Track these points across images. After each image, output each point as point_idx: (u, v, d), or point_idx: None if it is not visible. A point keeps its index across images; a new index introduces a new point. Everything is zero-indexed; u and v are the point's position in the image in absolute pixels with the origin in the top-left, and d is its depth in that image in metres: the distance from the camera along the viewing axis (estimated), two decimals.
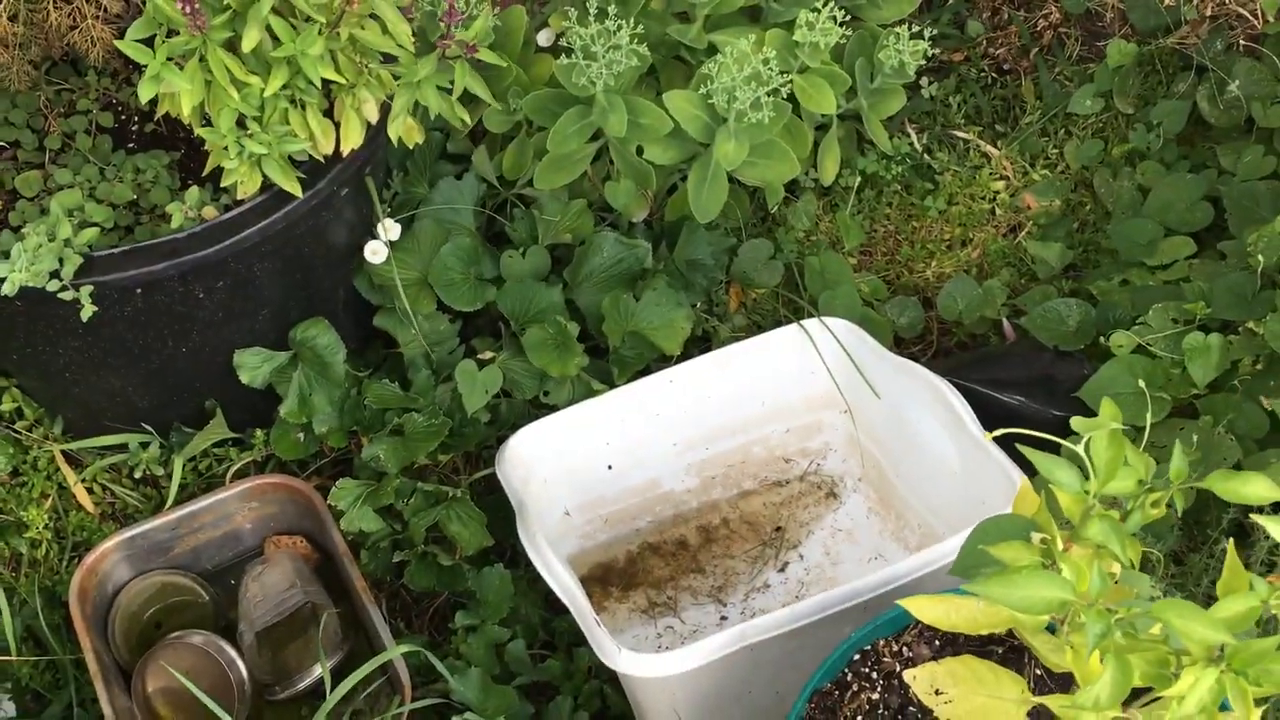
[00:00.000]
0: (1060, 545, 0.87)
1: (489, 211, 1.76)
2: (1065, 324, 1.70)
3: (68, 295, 1.31)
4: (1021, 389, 1.67)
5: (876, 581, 1.35)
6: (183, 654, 1.50)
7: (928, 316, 1.86)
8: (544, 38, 1.82)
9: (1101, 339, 1.63)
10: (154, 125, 1.53)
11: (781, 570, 1.67)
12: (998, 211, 1.97)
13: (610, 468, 1.66)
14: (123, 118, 1.54)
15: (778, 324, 1.75)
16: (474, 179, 1.74)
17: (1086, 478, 0.85)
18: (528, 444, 1.55)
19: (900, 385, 1.61)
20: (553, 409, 1.62)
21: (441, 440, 1.56)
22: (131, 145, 1.52)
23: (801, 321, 1.66)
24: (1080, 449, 0.84)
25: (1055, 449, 0.89)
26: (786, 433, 1.73)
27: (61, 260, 1.30)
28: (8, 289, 1.26)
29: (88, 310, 1.32)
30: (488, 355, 1.63)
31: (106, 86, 1.54)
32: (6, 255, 1.30)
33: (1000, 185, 1.99)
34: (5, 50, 1.38)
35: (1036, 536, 0.89)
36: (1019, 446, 0.88)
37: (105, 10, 1.41)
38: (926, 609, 0.88)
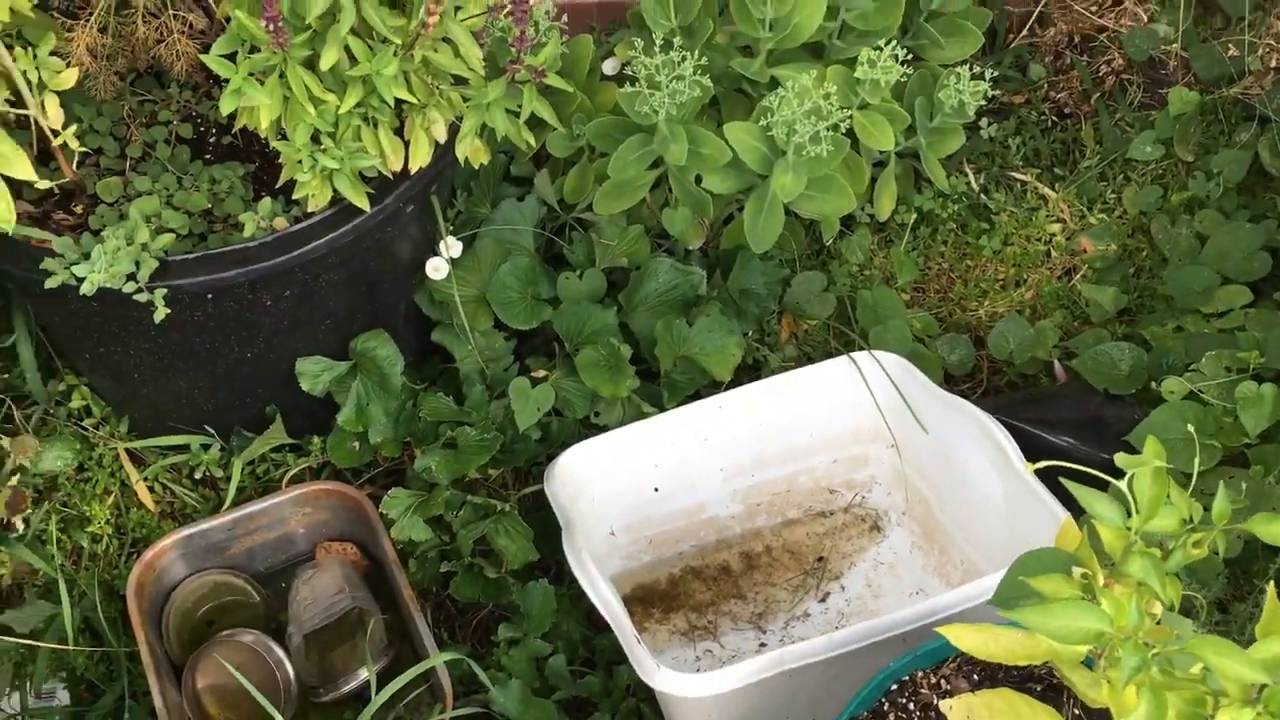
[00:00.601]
0: (1100, 581, 0.88)
1: (548, 233, 1.80)
2: (1117, 368, 1.70)
3: (142, 297, 1.36)
4: (1071, 430, 1.67)
5: (917, 614, 1.36)
6: (233, 652, 1.54)
7: (978, 355, 1.87)
8: (609, 66, 1.86)
9: (1153, 384, 1.62)
10: (230, 138, 1.59)
11: (822, 600, 1.68)
12: (1053, 253, 1.97)
13: (657, 490, 1.68)
14: (201, 129, 1.59)
15: (828, 356, 1.76)
16: (535, 201, 1.77)
17: (1129, 514, 0.86)
18: (577, 462, 1.58)
19: (948, 421, 1.61)
20: (603, 429, 1.65)
21: (493, 455, 1.60)
22: (208, 156, 1.57)
23: (852, 354, 1.67)
24: (1124, 485, 0.85)
25: (1103, 490, 0.90)
26: (833, 463, 1.75)
27: (138, 263, 1.36)
28: (86, 288, 1.32)
29: (161, 313, 1.37)
30: (541, 374, 1.66)
31: (187, 99, 1.60)
32: (87, 256, 1.35)
33: (1057, 227, 1.99)
34: (94, 60, 1.44)
35: (1077, 571, 0.90)
36: (1064, 481, 0.89)
37: (190, 26, 1.47)
38: (965, 637, 0.89)
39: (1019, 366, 1.83)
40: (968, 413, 1.58)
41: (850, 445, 1.74)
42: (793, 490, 1.75)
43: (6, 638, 1.48)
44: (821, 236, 1.92)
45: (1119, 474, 0.89)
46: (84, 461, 1.70)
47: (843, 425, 1.72)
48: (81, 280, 1.33)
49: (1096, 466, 1.00)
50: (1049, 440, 1.66)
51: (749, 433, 1.69)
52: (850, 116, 1.67)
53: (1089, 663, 0.93)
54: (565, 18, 1.70)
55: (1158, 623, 0.89)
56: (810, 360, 1.81)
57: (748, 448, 1.71)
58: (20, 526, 1.49)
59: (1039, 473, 1.48)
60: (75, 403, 1.71)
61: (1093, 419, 1.68)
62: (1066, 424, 1.68)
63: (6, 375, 1.71)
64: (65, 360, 1.72)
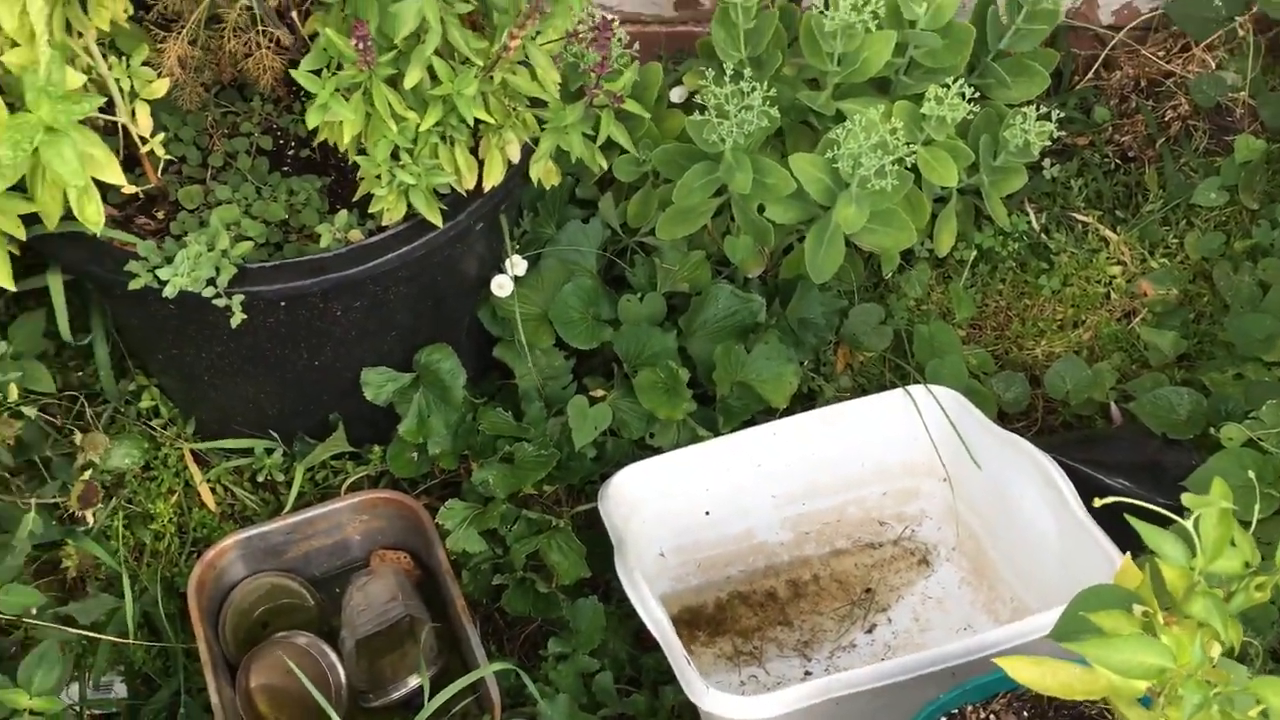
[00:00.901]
0: (1161, 620, 0.88)
1: (611, 256, 1.83)
2: (1175, 412, 1.69)
3: (220, 302, 1.40)
4: (1126, 473, 1.66)
5: (967, 648, 1.36)
6: (287, 653, 1.57)
7: (1034, 394, 1.87)
8: (677, 94, 1.89)
9: (1212, 430, 1.62)
10: (309, 151, 1.63)
11: (869, 632, 1.68)
12: (1113, 296, 1.97)
13: (708, 514, 1.70)
14: (281, 142, 1.64)
15: (883, 388, 1.77)
16: (599, 224, 1.80)
17: (1193, 554, 0.87)
18: (631, 483, 1.60)
19: (1003, 458, 1.62)
20: (657, 451, 1.67)
21: (549, 471, 1.62)
22: (286, 168, 1.61)
23: (908, 387, 1.68)
24: (1189, 524, 0.85)
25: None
26: (884, 496, 1.75)
27: (218, 269, 1.40)
28: (169, 291, 1.36)
29: (237, 317, 1.40)
30: (599, 393, 1.69)
31: (269, 112, 1.64)
32: (169, 261, 1.40)
33: (1117, 270, 1.99)
34: (183, 71, 1.49)
35: (1137, 609, 0.90)
36: (1129, 518, 0.90)
37: (277, 42, 1.51)
38: (1023, 669, 0.90)
39: (1075, 407, 1.83)
40: (1023, 450, 1.58)
41: (902, 478, 1.74)
42: (842, 520, 1.76)
43: (69, 629, 1.52)
44: (880, 269, 1.93)
45: (1178, 518, 0.90)
46: (150, 460, 1.74)
47: (895, 458, 1.73)
48: (164, 283, 1.37)
49: (1151, 517, 1.00)
50: (1104, 482, 1.65)
51: (801, 461, 1.70)
52: (915, 152, 1.68)
53: (1145, 702, 0.93)
54: (636, 45, 1.73)
55: (1214, 665, 0.89)
56: (865, 392, 1.82)
57: (799, 476, 1.72)
58: (89, 520, 1.53)
59: (1094, 514, 1.50)
60: (145, 403, 1.75)
61: (1149, 463, 1.68)
62: (1122, 466, 1.67)
63: (81, 373, 1.76)
64: (137, 361, 1.77)
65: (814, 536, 1.75)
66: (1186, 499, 0.86)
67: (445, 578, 1.60)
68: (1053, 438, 1.82)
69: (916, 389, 1.68)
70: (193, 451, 1.75)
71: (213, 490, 1.74)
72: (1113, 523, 1.48)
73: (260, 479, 1.74)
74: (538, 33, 1.33)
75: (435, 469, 1.74)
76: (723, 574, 1.73)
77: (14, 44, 1.23)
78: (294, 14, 1.56)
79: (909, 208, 1.77)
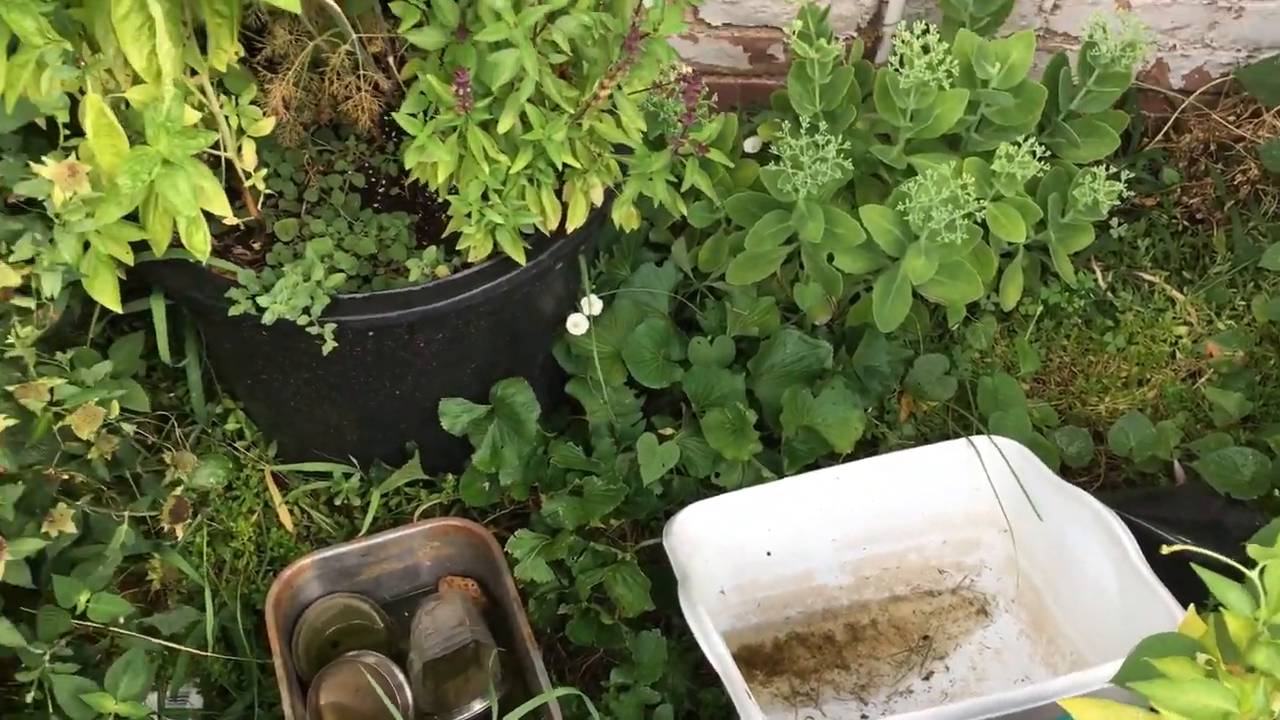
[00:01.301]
0: (1224, 669, 0.90)
1: (682, 299, 1.88)
2: (1240, 473, 1.70)
3: (313, 330, 1.46)
4: (1189, 531, 1.67)
5: (1025, 696, 1.38)
6: (357, 672, 1.62)
7: (1097, 449, 1.88)
8: (750, 144, 1.95)
9: (1276, 492, 1.63)
10: (398, 190, 1.70)
11: (926, 679, 1.70)
12: (1178, 355, 1.98)
13: (769, 554, 1.73)
14: (372, 180, 1.71)
15: (945, 438, 1.80)
16: (672, 268, 1.86)
17: (1257, 605, 0.89)
18: (696, 521, 1.64)
19: (1065, 511, 1.63)
20: (722, 490, 1.71)
21: (616, 505, 1.66)
22: (377, 205, 1.69)
23: (971, 437, 1.71)
24: (1255, 575, 0.88)
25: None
26: (944, 544, 1.77)
27: (312, 298, 1.46)
28: (268, 318, 1.43)
29: (329, 345, 1.47)
30: (668, 432, 1.73)
31: (362, 152, 1.72)
32: (267, 289, 1.47)
33: (1183, 330, 2.01)
34: (286, 111, 1.57)
35: (1201, 657, 0.92)
36: (1195, 568, 0.92)
37: (375, 86, 1.59)
38: (1088, 712, 0.92)
39: (1138, 464, 1.84)
40: (1086, 504, 1.60)
41: (963, 528, 1.76)
42: (902, 567, 1.78)
43: (152, 639, 1.58)
44: (946, 321, 1.96)
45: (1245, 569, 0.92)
46: (233, 481, 1.81)
47: (957, 507, 1.75)
48: (263, 310, 1.44)
49: (1215, 569, 1.02)
50: (1166, 539, 1.66)
51: (863, 506, 1.73)
52: (984, 207, 1.72)
53: None
54: (715, 96, 1.79)
55: (1274, 715, 0.91)
56: (927, 441, 1.84)
57: (861, 521, 1.74)
58: (177, 535, 1.59)
59: (1157, 570, 1.51)
60: (230, 425, 1.83)
61: (1212, 522, 1.68)
62: (1184, 524, 1.68)
63: (171, 395, 1.83)
64: (225, 385, 1.84)
65: (873, 581, 1.78)
66: (1252, 550, 0.89)
67: (512, 605, 1.64)
68: (1115, 494, 1.83)
69: (980, 439, 1.70)
70: (273, 473, 1.82)
71: (291, 512, 1.80)
72: (1174, 581, 1.50)
73: (337, 503, 1.80)
74: (625, 82, 1.39)
75: (505, 499, 1.79)
76: (782, 614, 1.76)
77: (136, 81, 1.31)
78: (391, 60, 1.64)
79: (976, 261, 1.80)
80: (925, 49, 1.69)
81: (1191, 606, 1.20)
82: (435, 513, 1.79)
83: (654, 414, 1.81)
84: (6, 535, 1.38)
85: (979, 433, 1.74)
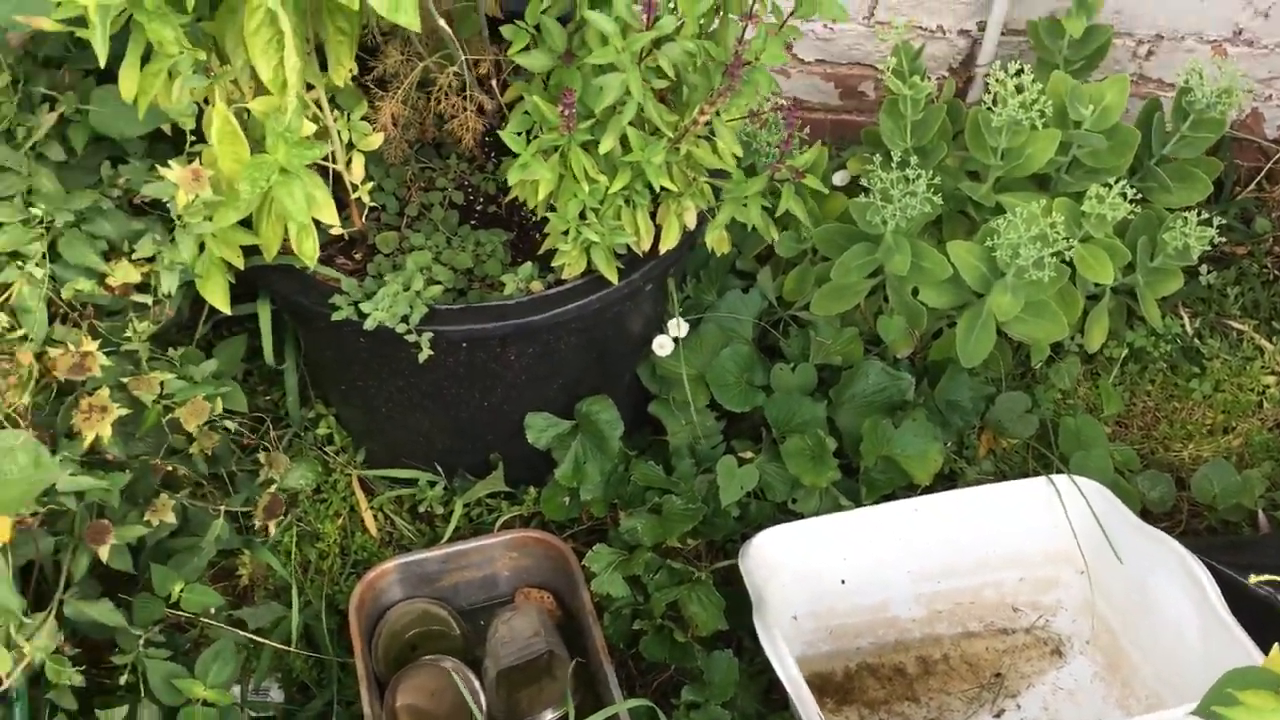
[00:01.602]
0: None
1: (766, 325, 1.90)
2: None
3: (411, 338, 1.51)
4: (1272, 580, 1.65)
5: None
6: (434, 676, 1.65)
7: (1179, 496, 1.87)
8: (839, 178, 1.97)
9: None
10: (495, 208, 1.75)
11: (997, 716, 1.69)
12: (1265, 404, 1.96)
13: (844, 582, 1.74)
14: (471, 198, 1.77)
15: (1024, 476, 1.80)
16: (758, 295, 1.89)
17: None
18: (772, 545, 1.65)
19: (1146, 554, 1.62)
20: (799, 516, 1.72)
21: (694, 525, 1.69)
22: (474, 222, 1.74)
23: (1051, 476, 1.70)
24: None
25: None
26: (1020, 581, 1.77)
27: (411, 308, 1.52)
28: (369, 324, 1.48)
29: (425, 353, 1.52)
30: (747, 455, 1.75)
31: (463, 170, 1.78)
32: (368, 297, 1.52)
33: (1271, 380, 1.99)
34: (394, 128, 1.63)
35: None
36: None
37: (479, 107, 1.65)
38: None
39: (1221, 512, 1.82)
40: (1169, 547, 1.59)
41: (1039, 566, 1.76)
42: (977, 603, 1.78)
43: (240, 631, 1.63)
44: (1029, 359, 1.96)
45: None
46: (321, 484, 1.86)
47: (1034, 546, 1.74)
48: (364, 317, 1.49)
49: None
50: (1247, 585, 1.64)
51: (940, 540, 1.73)
52: (1072, 247, 1.73)
53: None
54: (807, 130, 1.83)
55: None
56: (1006, 478, 1.84)
57: (937, 554, 1.75)
58: (269, 532, 1.65)
59: (1238, 615, 1.49)
60: (321, 430, 1.88)
61: None
62: (1267, 572, 1.65)
63: (267, 398, 1.90)
64: (318, 391, 1.90)
65: (947, 616, 1.77)
66: None
67: (587, 618, 1.67)
68: (1196, 540, 1.81)
69: (1060, 479, 1.70)
70: (360, 479, 1.87)
71: (375, 517, 1.85)
72: (1253, 628, 1.48)
73: (420, 510, 1.84)
74: (724, 109, 1.43)
75: (585, 514, 1.82)
76: (853, 644, 1.76)
77: (258, 92, 1.38)
78: (494, 83, 1.70)
79: (1062, 301, 1.81)
80: (1019, 89, 1.71)
81: (1277, 645, 1.19)
82: (515, 524, 1.82)
83: (734, 437, 1.83)
84: (112, 521, 1.44)
85: (1059, 472, 1.74)
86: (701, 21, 1.38)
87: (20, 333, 1.31)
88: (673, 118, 1.44)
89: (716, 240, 1.57)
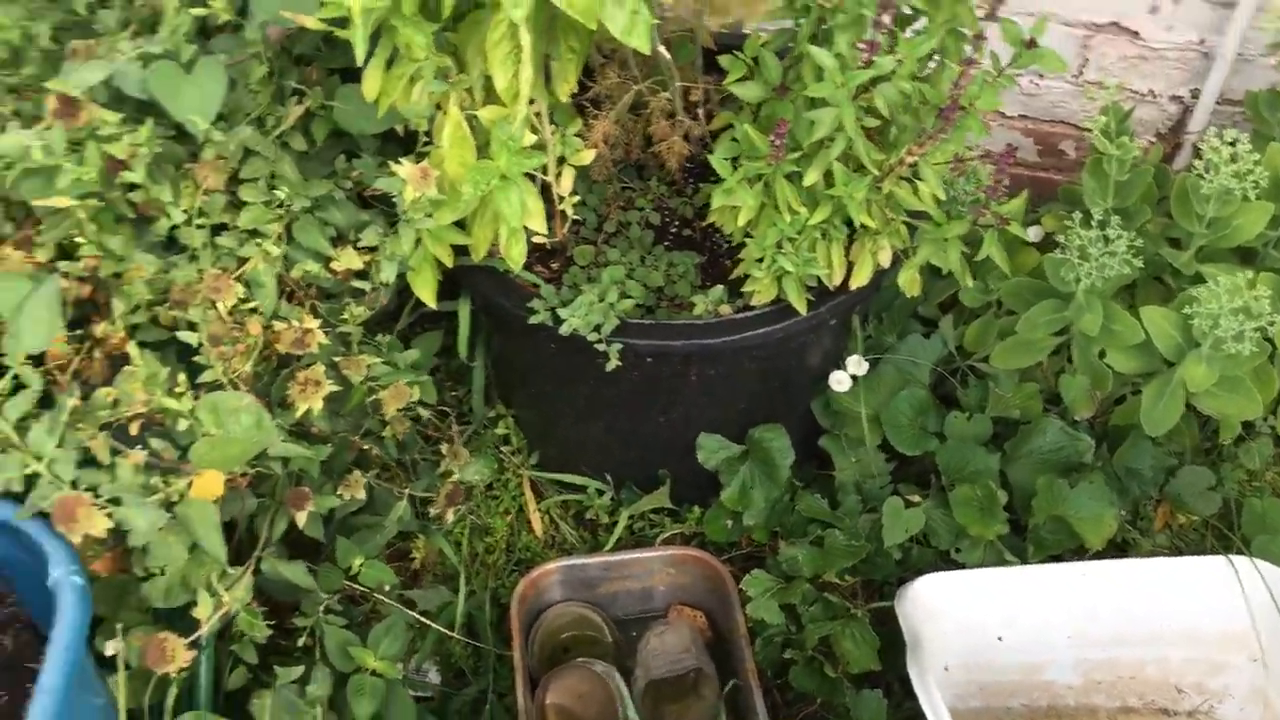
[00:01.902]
0: None
1: (944, 372, 1.90)
2: None
3: (600, 347, 1.57)
4: None
5: None
6: (585, 677, 1.69)
7: None
8: (1033, 234, 1.96)
9: None
10: (689, 232, 1.81)
11: None
12: None
13: (1000, 639, 1.71)
14: (667, 220, 1.82)
15: (1200, 554, 1.74)
16: (939, 341, 1.89)
17: None
18: (932, 591, 1.64)
19: None
20: (960, 566, 1.71)
21: (854, 562, 1.69)
22: (668, 243, 1.79)
23: (1232, 557, 1.65)
24: None
25: None
26: (1187, 661, 1.71)
27: (604, 318, 1.57)
28: (564, 329, 1.54)
29: (613, 363, 1.57)
30: (914, 499, 1.75)
31: (662, 193, 1.84)
32: (564, 304, 1.59)
33: None
34: (604, 146, 1.70)
35: None
36: None
37: (687, 134, 1.71)
38: None
39: None
40: None
41: (1210, 648, 1.70)
42: (1138, 678, 1.72)
43: (408, 611, 1.71)
44: (1218, 435, 1.90)
45: None
46: (494, 481, 1.93)
47: (1207, 626, 1.68)
48: (560, 322, 1.56)
49: None
50: None
51: (1107, 608, 1.69)
52: (1275, 323, 1.67)
53: None
54: (1006, 183, 1.82)
55: None
56: (1180, 554, 1.79)
57: (1101, 623, 1.70)
58: (447, 520, 1.72)
59: None
60: (500, 430, 1.96)
61: None
62: None
63: (454, 394, 1.99)
64: (501, 391, 1.98)
65: (1105, 688, 1.73)
66: None
67: (740, 641, 1.69)
68: None
69: (1241, 560, 1.64)
70: (532, 480, 1.93)
71: (542, 518, 1.91)
72: None
73: (587, 517, 1.90)
74: (931, 152, 1.45)
75: (745, 539, 1.84)
76: (1004, 703, 1.73)
77: (488, 101, 1.46)
78: (700, 111, 1.76)
79: (1258, 379, 1.75)
80: (1233, 158, 1.67)
81: None
82: (676, 541, 1.86)
83: (901, 480, 1.83)
84: (311, 490, 1.53)
85: (1240, 554, 1.68)
86: (919, 64, 1.40)
87: (252, 304, 1.42)
88: (879, 156, 1.47)
89: (908, 281, 1.58)
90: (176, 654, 1.28)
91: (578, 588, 1.81)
